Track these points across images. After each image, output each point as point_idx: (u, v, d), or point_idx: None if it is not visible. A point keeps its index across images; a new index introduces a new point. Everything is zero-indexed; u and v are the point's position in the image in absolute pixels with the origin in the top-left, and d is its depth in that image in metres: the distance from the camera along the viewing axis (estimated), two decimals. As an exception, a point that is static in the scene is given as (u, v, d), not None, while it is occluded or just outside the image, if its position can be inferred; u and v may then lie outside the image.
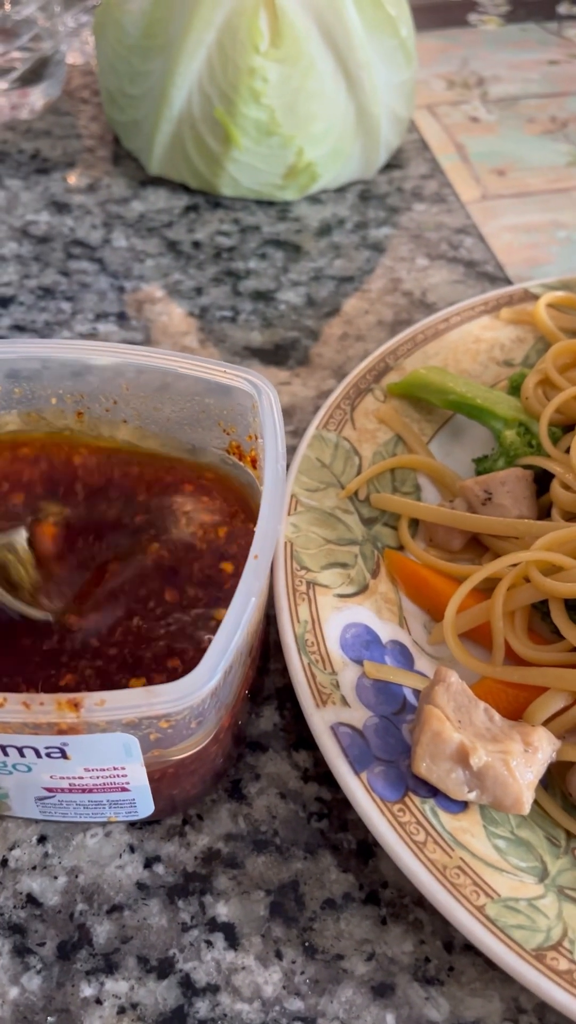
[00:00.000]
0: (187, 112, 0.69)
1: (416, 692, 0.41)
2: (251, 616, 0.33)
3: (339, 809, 0.40)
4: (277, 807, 0.41)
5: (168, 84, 0.68)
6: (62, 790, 0.36)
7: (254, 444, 0.43)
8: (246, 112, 0.67)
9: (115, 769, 0.34)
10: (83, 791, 0.36)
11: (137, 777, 0.35)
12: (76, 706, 0.30)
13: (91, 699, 0.30)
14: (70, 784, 0.35)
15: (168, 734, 0.33)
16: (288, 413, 0.58)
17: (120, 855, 0.39)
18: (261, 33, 0.65)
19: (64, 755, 0.33)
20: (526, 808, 0.36)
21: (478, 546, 0.48)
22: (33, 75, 0.83)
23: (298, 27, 0.66)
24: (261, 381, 0.41)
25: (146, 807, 0.37)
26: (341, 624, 0.42)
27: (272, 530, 0.36)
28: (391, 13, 0.69)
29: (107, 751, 0.33)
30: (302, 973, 0.36)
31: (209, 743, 0.36)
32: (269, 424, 0.40)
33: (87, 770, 0.34)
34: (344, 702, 0.39)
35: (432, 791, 0.37)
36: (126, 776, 0.35)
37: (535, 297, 0.59)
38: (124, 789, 0.35)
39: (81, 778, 0.35)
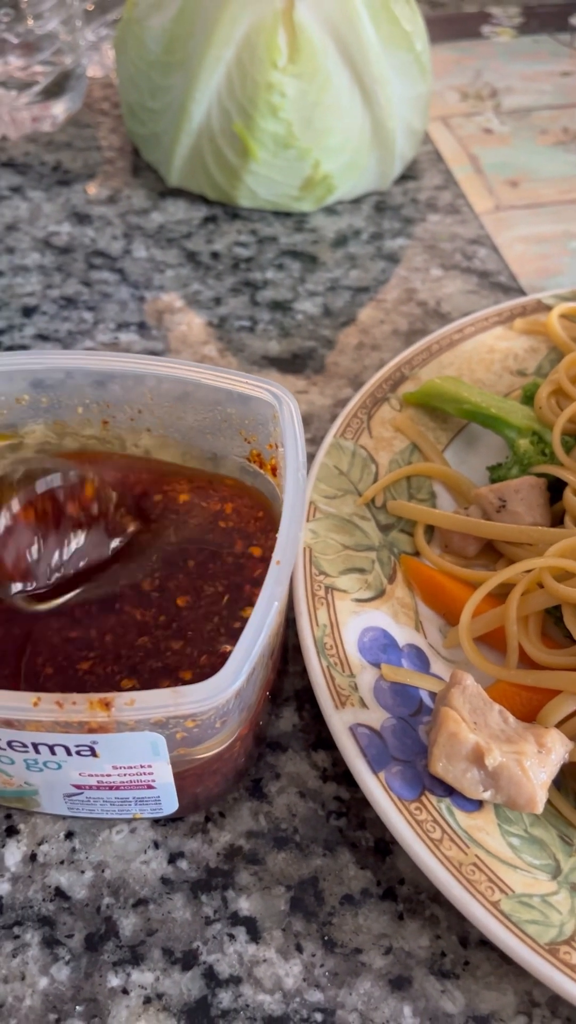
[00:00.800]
0: (206, 125, 0.71)
1: (432, 694, 0.42)
2: (273, 620, 0.34)
3: (357, 808, 0.42)
4: (297, 806, 0.42)
5: (188, 98, 0.70)
6: (90, 787, 0.37)
7: (274, 453, 0.44)
8: (264, 126, 0.69)
9: (142, 767, 0.35)
10: (110, 788, 0.37)
11: (163, 775, 0.36)
12: (107, 706, 0.31)
13: (121, 699, 0.31)
14: (98, 781, 0.36)
15: (194, 733, 0.34)
16: (305, 421, 0.59)
17: (145, 851, 0.40)
18: (279, 49, 0.67)
19: (93, 753, 0.34)
20: (539, 807, 0.37)
21: (493, 552, 0.49)
22: (55, 88, 0.85)
23: (315, 43, 0.67)
24: (282, 391, 0.43)
25: (171, 804, 0.38)
26: (359, 628, 0.43)
27: (293, 536, 0.37)
28: (407, 28, 0.71)
29: (135, 749, 0.34)
30: (321, 966, 0.37)
31: (232, 742, 0.37)
32: (290, 434, 0.41)
33: (115, 768, 0.35)
34: (362, 704, 0.40)
35: (448, 790, 0.38)
36: (152, 774, 0.36)
37: (548, 308, 0.60)
38: (150, 787, 0.37)
39: (109, 775, 0.36)
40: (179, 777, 0.37)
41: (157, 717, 0.32)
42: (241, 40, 0.67)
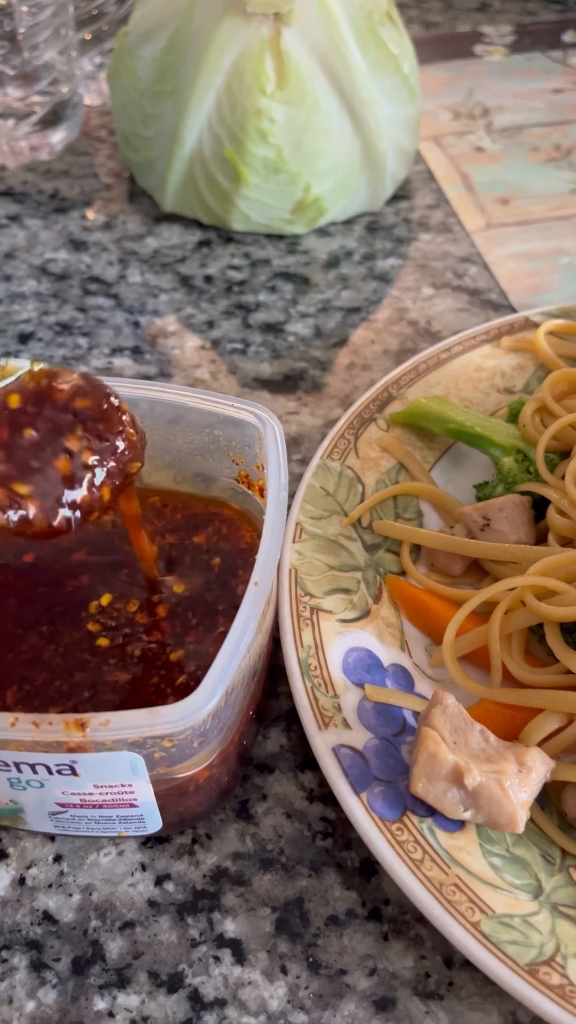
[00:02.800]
0: (198, 152, 0.72)
1: (416, 714, 0.42)
2: (251, 641, 0.35)
3: (343, 828, 0.42)
4: (283, 826, 0.42)
5: (179, 126, 0.71)
6: (74, 805, 0.37)
7: (261, 474, 0.45)
8: (254, 151, 0.70)
9: (123, 786, 0.36)
10: (94, 807, 0.37)
11: (144, 794, 0.36)
12: (82, 726, 0.32)
13: (96, 719, 0.32)
14: (81, 800, 0.37)
15: (172, 753, 0.34)
16: (296, 442, 0.60)
17: (132, 873, 0.41)
18: (267, 76, 0.68)
19: (74, 772, 0.35)
20: (520, 827, 0.37)
21: (478, 571, 0.49)
22: (52, 117, 0.87)
23: (303, 69, 0.68)
24: (266, 414, 0.43)
25: (155, 823, 0.39)
26: (344, 648, 0.44)
27: (272, 558, 0.37)
28: (393, 52, 0.72)
29: (114, 769, 0.35)
30: (306, 988, 0.37)
31: (214, 762, 0.38)
32: (273, 456, 0.42)
33: (96, 787, 0.36)
34: (346, 724, 0.41)
35: (430, 810, 0.38)
36: (134, 793, 0.36)
37: (535, 325, 0.60)
38: (132, 805, 0.37)
39: (91, 794, 0.36)
40: (161, 796, 0.37)
41: (133, 737, 0.33)
42: (229, 68, 0.68)
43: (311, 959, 0.38)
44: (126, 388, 0.46)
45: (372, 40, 0.70)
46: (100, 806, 0.37)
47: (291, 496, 0.51)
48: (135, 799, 0.37)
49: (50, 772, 0.35)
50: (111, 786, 0.36)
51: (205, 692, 0.32)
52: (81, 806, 0.37)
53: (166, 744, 0.34)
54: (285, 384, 0.64)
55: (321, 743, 0.40)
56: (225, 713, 0.36)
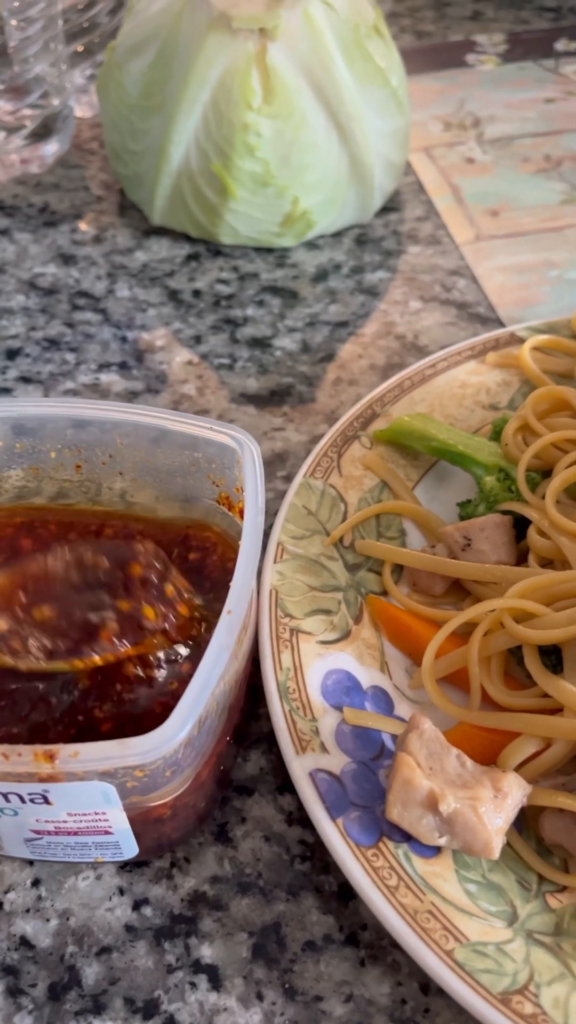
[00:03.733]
0: (185, 166, 0.72)
1: (395, 737, 0.42)
2: (223, 670, 0.35)
3: (321, 852, 0.42)
4: (262, 850, 0.42)
5: (167, 140, 0.71)
6: (49, 832, 0.37)
7: (241, 496, 0.45)
8: (241, 165, 0.70)
9: (96, 814, 0.36)
10: (69, 834, 0.37)
11: (118, 821, 0.36)
12: (51, 757, 0.32)
13: (65, 751, 0.32)
14: (55, 827, 0.37)
15: (144, 782, 0.34)
16: (281, 459, 0.60)
17: (110, 897, 0.41)
18: (253, 90, 0.68)
19: (47, 801, 0.35)
20: (495, 853, 0.37)
21: (460, 591, 0.49)
22: (43, 130, 0.87)
23: (289, 84, 0.68)
24: (244, 436, 0.44)
25: (131, 849, 0.39)
26: (323, 671, 0.44)
27: (247, 585, 0.37)
28: (381, 65, 0.72)
29: (87, 798, 0.35)
30: (282, 1014, 0.37)
31: (188, 789, 0.37)
32: (251, 479, 0.42)
33: (70, 815, 0.36)
34: (323, 748, 0.41)
35: (406, 836, 0.38)
36: (108, 820, 0.36)
37: (521, 340, 0.60)
38: (107, 832, 0.37)
39: (65, 822, 0.36)
40: (136, 823, 0.37)
41: (104, 768, 0.33)
42: (216, 83, 0.68)
43: (287, 985, 0.38)
44: (106, 412, 0.46)
45: (359, 54, 0.70)
46: (75, 833, 0.37)
47: (273, 515, 0.51)
48: (110, 826, 0.37)
49: (23, 800, 0.35)
50: (84, 814, 0.36)
51: (175, 723, 0.32)
52: (56, 833, 0.37)
53: (137, 774, 0.34)
54: (271, 399, 0.64)
55: (298, 768, 0.40)
56: (199, 741, 0.36)
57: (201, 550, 0.47)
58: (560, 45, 1.04)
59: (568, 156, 0.86)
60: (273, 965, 0.39)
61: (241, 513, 0.46)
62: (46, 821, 0.36)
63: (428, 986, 0.38)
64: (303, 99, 0.69)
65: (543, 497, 0.47)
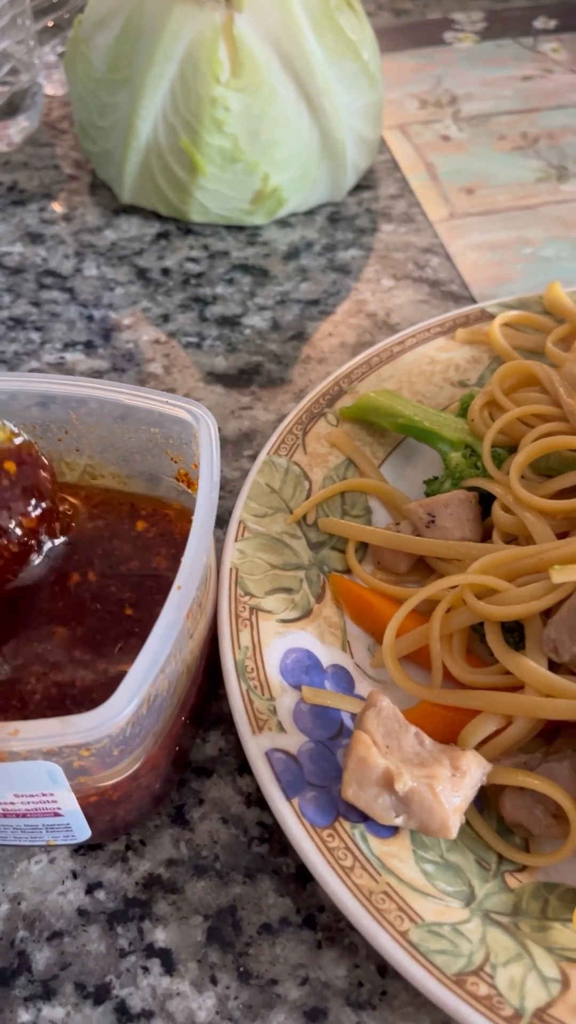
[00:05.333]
0: (154, 142, 0.71)
1: (355, 716, 0.41)
2: (171, 649, 0.34)
3: (279, 833, 0.41)
4: (219, 832, 0.41)
5: (134, 116, 0.70)
6: (-4, 816, 0.36)
7: (199, 473, 0.44)
8: (210, 141, 0.68)
9: (44, 795, 0.35)
10: (17, 816, 0.36)
11: (67, 803, 0.35)
12: None
13: (5, 729, 0.31)
14: (3, 810, 0.36)
15: (91, 762, 0.34)
16: (248, 437, 0.59)
17: (63, 881, 0.40)
18: (221, 64, 0.66)
19: (-8, 783, 0.34)
20: (452, 833, 0.36)
21: (425, 568, 0.48)
22: (10, 108, 0.85)
23: (257, 56, 0.67)
24: (201, 411, 0.42)
25: (82, 831, 0.38)
26: (282, 649, 0.43)
27: (198, 561, 0.36)
28: (352, 38, 0.70)
29: (32, 778, 0.34)
30: (236, 998, 0.36)
31: (141, 769, 0.37)
32: (206, 454, 0.41)
33: (17, 796, 0.35)
34: (280, 728, 0.40)
35: (363, 816, 0.37)
36: (56, 802, 0.35)
37: (492, 316, 0.59)
38: (57, 814, 0.36)
39: (12, 803, 0.35)
40: (86, 804, 0.36)
41: (47, 746, 0.32)
42: (182, 56, 0.67)
43: (242, 968, 0.37)
44: (58, 385, 0.45)
45: (329, 27, 0.69)
46: (23, 815, 0.36)
47: (237, 495, 0.50)
48: (59, 808, 0.36)
49: (-34, 781, 0.34)
50: (31, 795, 0.35)
51: (119, 701, 0.31)
52: (4, 815, 0.36)
53: (84, 753, 0.33)
54: (240, 378, 0.63)
55: (254, 747, 0.39)
56: (148, 720, 0.35)
57: (162, 526, 0.46)
58: (539, 23, 1.03)
59: (544, 134, 0.85)
60: (228, 949, 0.38)
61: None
62: (-7, 803, 0.36)
63: (385, 969, 0.37)
64: (272, 72, 0.68)
65: (509, 473, 0.46)
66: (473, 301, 0.68)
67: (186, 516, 0.46)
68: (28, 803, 0.35)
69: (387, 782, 0.36)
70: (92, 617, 0.41)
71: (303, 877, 0.40)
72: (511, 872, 0.37)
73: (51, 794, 0.35)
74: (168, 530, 0.45)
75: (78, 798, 0.35)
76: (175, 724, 0.39)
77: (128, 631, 0.41)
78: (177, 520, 0.46)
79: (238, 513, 0.48)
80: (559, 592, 0.39)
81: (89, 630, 0.41)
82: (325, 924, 0.38)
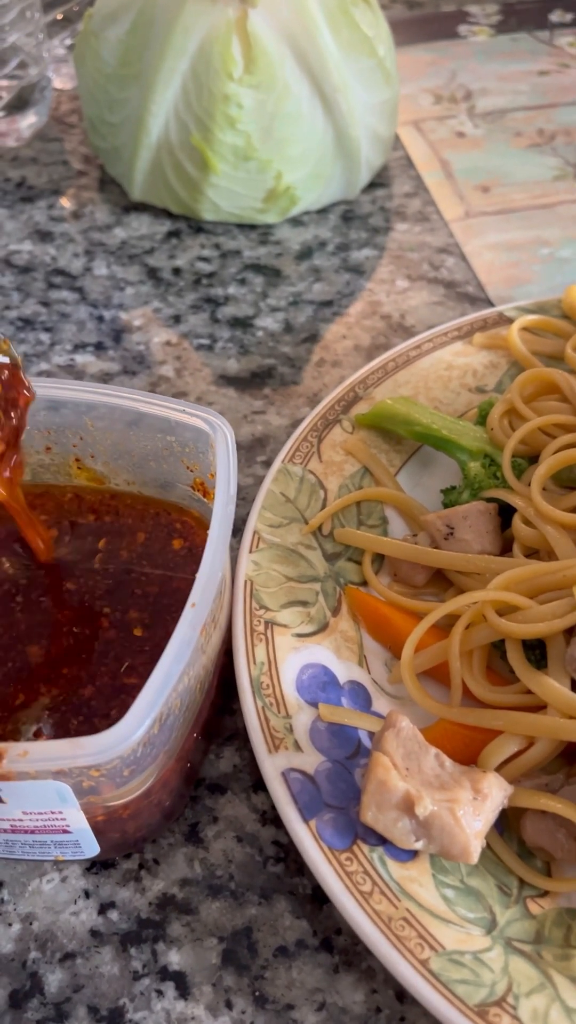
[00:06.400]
0: (165, 139, 0.70)
1: (372, 735, 0.40)
2: (184, 667, 0.33)
3: (295, 853, 0.40)
4: (234, 851, 0.40)
5: (145, 112, 0.69)
6: (4, 831, 0.36)
7: (215, 483, 0.43)
8: (222, 138, 0.67)
9: (52, 813, 0.34)
10: (26, 832, 0.36)
11: (76, 820, 0.35)
12: None
13: (14, 750, 0.30)
14: (11, 826, 0.35)
15: (101, 782, 0.33)
16: (261, 443, 0.58)
17: (75, 901, 0.39)
18: (234, 60, 0.65)
19: (0, 799, 0.33)
20: (474, 858, 0.35)
21: (443, 581, 0.47)
22: (19, 102, 0.84)
23: (271, 52, 0.65)
24: (218, 419, 0.42)
25: (91, 848, 0.37)
26: (298, 665, 0.42)
27: (213, 577, 0.36)
28: (368, 33, 0.69)
29: (41, 796, 0.33)
30: (251, 1023, 0.36)
31: (151, 787, 0.36)
32: (223, 466, 0.40)
33: (25, 813, 0.34)
34: (297, 747, 0.39)
35: (381, 839, 0.36)
36: (65, 819, 0.35)
37: (510, 321, 0.58)
38: (65, 831, 0.36)
39: (21, 820, 0.35)
40: (96, 821, 0.36)
41: (57, 767, 0.31)
42: (195, 51, 0.66)
43: (257, 993, 0.37)
44: (75, 392, 0.44)
45: (344, 21, 0.67)
46: (32, 831, 0.36)
47: (250, 503, 0.49)
48: (67, 825, 0.35)
49: (-25, 800, 0.33)
50: (40, 813, 0.34)
51: (131, 722, 0.31)
52: (12, 831, 0.36)
53: (93, 774, 0.32)
54: (252, 381, 0.62)
55: (270, 767, 0.38)
56: (160, 739, 0.34)
57: (184, 536, 0.46)
58: (555, 16, 1.01)
59: (561, 130, 0.84)
60: (243, 972, 0.37)
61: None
62: (1, 819, 0.35)
63: (404, 994, 0.36)
64: (286, 68, 0.66)
65: (529, 484, 0.45)
66: (489, 303, 0.67)
67: (204, 525, 0.45)
68: (36, 820, 0.35)
69: (407, 806, 0.35)
70: (105, 628, 0.41)
71: (320, 898, 0.39)
72: (533, 897, 0.36)
73: (60, 812, 0.34)
74: (189, 539, 0.45)
75: (87, 816, 0.35)
76: (187, 741, 0.38)
77: (139, 649, 0.41)
78: (198, 529, 0.45)
79: (252, 523, 0.47)
80: (583, 610, 0.38)
81: (101, 642, 0.41)
82: (342, 947, 0.38)
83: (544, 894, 0.37)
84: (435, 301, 0.67)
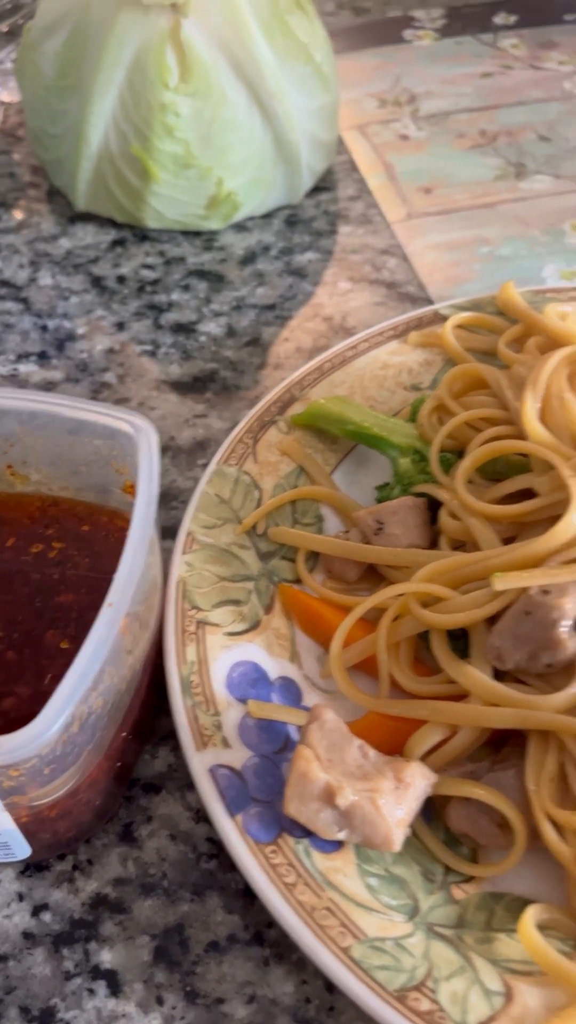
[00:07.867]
0: (105, 149, 0.70)
1: (300, 729, 0.41)
2: (102, 666, 0.33)
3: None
4: (167, 849, 0.41)
5: (84, 123, 0.69)
6: None
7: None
8: (161, 147, 0.68)
9: (-25, 816, 0.34)
10: (-48, 836, 0.36)
11: (2, 821, 0.35)
12: None
13: None
14: None
15: (22, 781, 0.33)
16: (202, 446, 0.58)
17: (8, 904, 0.39)
18: (169, 69, 0.66)
19: None
20: (396, 846, 0.36)
21: (376, 576, 0.48)
22: (-34, 116, 0.84)
23: (206, 61, 0.66)
24: (142, 422, 0.42)
25: (22, 849, 0.37)
26: (229, 663, 0.42)
27: (132, 577, 0.36)
28: (304, 40, 0.70)
29: (-39, 798, 0.33)
30: (182, 1019, 0.36)
31: (78, 786, 0.36)
32: (145, 467, 0.40)
33: (-51, 816, 0.34)
34: (225, 743, 0.39)
35: (307, 831, 0.37)
36: (-10, 822, 0.35)
37: (445, 319, 0.59)
38: (-7, 835, 0.36)
39: (-54, 824, 0.35)
40: (23, 823, 0.36)
41: (-28, 768, 0.31)
42: (130, 61, 0.66)
43: (188, 988, 0.37)
44: (3, 400, 0.44)
45: (279, 29, 0.68)
46: (-41, 836, 0.36)
47: (184, 504, 0.49)
48: (-6, 828, 0.35)
49: None
50: (-36, 816, 0.34)
51: (43, 721, 0.31)
52: None
53: (12, 773, 0.32)
54: (194, 386, 0.62)
55: (198, 764, 0.38)
56: (82, 738, 0.35)
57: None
58: (499, 19, 1.03)
59: (503, 131, 0.85)
60: (175, 968, 0.37)
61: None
62: None
63: (333, 984, 0.37)
64: (221, 76, 0.67)
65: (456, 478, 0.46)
66: (430, 302, 0.68)
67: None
68: (-37, 825, 0.35)
69: (328, 796, 0.36)
70: (37, 627, 0.41)
71: (251, 893, 0.39)
72: (458, 883, 0.37)
73: (-15, 815, 0.34)
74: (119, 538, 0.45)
75: (13, 816, 0.35)
76: (115, 740, 0.39)
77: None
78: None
79: (186, 525, 0.47)
80: (502, 599, 0.39)
81: (33, 641, 0.41)
82: (273, 940, 0.38)
83: (469, 880, 0.37)
84: (377, 302, 0.68)
